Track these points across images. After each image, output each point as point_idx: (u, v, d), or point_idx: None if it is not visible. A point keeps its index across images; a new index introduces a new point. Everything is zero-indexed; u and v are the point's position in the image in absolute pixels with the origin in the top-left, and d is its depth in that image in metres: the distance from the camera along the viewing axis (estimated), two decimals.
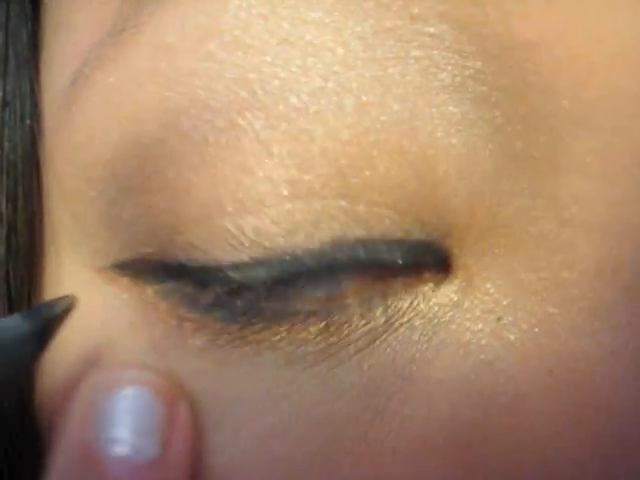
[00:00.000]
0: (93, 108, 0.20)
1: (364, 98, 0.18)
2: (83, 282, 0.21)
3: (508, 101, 0.17)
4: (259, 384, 0.19)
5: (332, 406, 0.19)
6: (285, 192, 0.18)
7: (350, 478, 0.18)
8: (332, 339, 0.19)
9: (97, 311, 0.21)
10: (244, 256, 0.19)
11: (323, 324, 0.19)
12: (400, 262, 0.18)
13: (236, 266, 0.19)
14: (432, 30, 0.17)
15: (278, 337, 0.19)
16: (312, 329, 0.19)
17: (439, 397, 0.18)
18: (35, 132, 0.22)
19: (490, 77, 0.17)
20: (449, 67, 0.17)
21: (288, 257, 0.18)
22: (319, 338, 0.19)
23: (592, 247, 0.18)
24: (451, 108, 0.18)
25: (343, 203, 0.18)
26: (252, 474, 0.19)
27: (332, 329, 0.19)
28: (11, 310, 0.22)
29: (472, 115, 0.18)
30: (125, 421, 0.18)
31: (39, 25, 0.22)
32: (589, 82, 0.17)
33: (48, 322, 0.19)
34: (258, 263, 0.19)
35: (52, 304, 0.19)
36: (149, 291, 0.20)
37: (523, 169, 0.18)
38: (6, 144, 0.22)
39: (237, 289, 0.19)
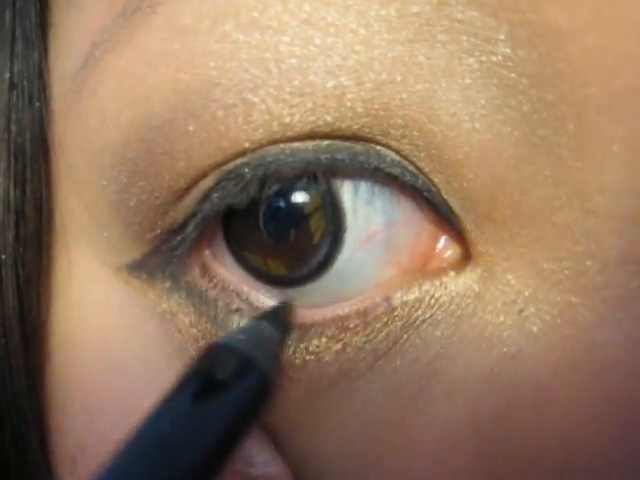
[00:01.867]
0: (104, 92, 0.19)
1: (385, 76, 0.17)
2: (97, 279, 0.21)
3: (536, 88, 0.17)
4: (284, 418, 0.19)
5: (361, 420, 0.19)
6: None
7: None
8: (342, 359, 0.19)
9: (114, 311, 0.21)
10: None
11: (323, 342, 0.19)
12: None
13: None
14: (460, 16, 0.17)
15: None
16: (315, 350, 0.19)
17: (463, 393, 0.18)
18: (44, 115, 0.21)
19: (519, 64, 0.17)
20: (477, 53, 0.17)
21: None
22: (326, 360, 0.19)
23: (616, 237, 0.17)
24: (476, 92, 0.17)
25: None
26: None
27: (337, 347, 0.19)
28: (20, 299, 0.21)
29: (498, 101, 0.17)
30: (261, 449, 0.19)
31: (47, 5, 0.22)
32: (620, 71, 0.17)
33: (288, 324, 0.19)
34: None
35: (283, 307, 0.19)
36: (163, 291, 0.20)
37: (547, 157, 0.17)
38: (14, 127, 0.21)
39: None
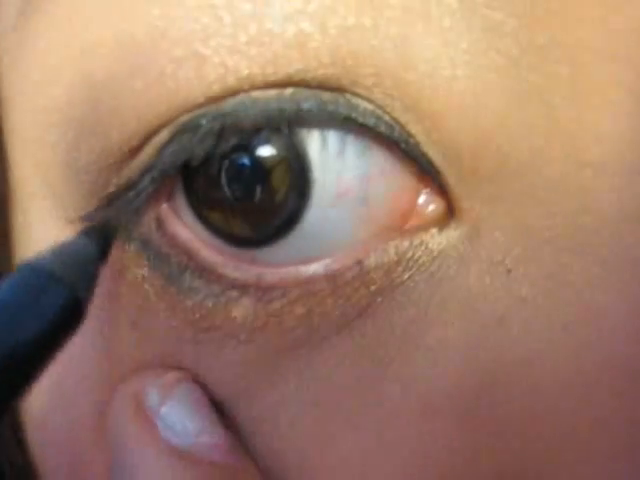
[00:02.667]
0: (45, 45, 0.18)
1: (351, 20, 0.16)
2: (53, 235, 0.20)
3: (525, 30, 0.15)
4: (238, 379, 0.18)
5: (322, 385, 0.18)
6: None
7: (350, 449, 0.17)
8: (305, 323, 0.18)
9: None
10: None
11: (284, 304, 0.18)
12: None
13: None
14: None
15: (236, 324, 0.18)
16: (276, 313, 0.18)
17: (443, 358, 0.17)
18: None
19: (506, 3, 0.15)
20: None
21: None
22: (288, 325, 0.18)
23: (615, 191, 0.16)
24: (457, 36, 0.16)
25: None
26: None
27: (300, 311, 0.18)
28: None
29: (482, 44, 0.16)
30: (189, 417, 0.18)
31: None
32: (620, 10, 0.15)
33: (108, 241, 0.18)
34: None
35: (105, 225, 0.19)
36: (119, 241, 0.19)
37: (538, 105, 0.16)
38: None
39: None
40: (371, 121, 0.17)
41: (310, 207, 0.18)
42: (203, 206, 0.18)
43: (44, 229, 0.20)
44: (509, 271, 0.17)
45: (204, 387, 0.18)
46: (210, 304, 0.18)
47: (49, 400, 0.20)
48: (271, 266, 0.18)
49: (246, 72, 0.16)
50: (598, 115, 0.16)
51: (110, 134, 0.17)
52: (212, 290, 0.18)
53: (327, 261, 0.18)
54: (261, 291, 0.18)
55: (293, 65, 0.16)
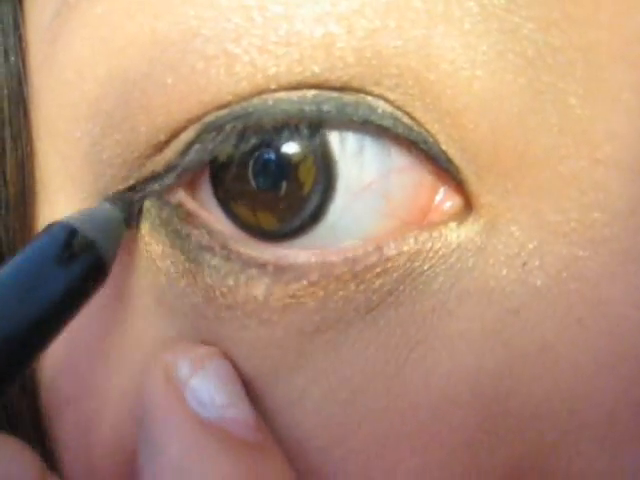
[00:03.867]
0: (80, 43, 0.18)
1: (378, 22, 0.16)
2: None
3: (542, 33, 0.16)
4: (264, 360, 0.19)
5: (349, 369, 0.18)
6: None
7: (373, 435, 0.18)
8: (328, 307, 0.18)
9: None
10: None
11: (305, 286, 0.18)
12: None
13: None
14: None
15: (258, 304, 0.18)
16: (297, 294, 0.18)
17: (463, 348, 0.18)
18: (21, 70, 0.20)
19: (523, 7, 0.16)
20: None
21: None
22: (310, 307, 0.18)
23: (626, 187, 0.17)
24: (477, 38, 0.16)
25: None
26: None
27: (321, 294, 0.18)
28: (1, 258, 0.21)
29: (500, 46, 0.16)
30: (218, 390, 0.18)
31: None
32: (634, 13, 0.16)
33: (132, 208, 0.19)
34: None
35: (131, 194, 0.19)
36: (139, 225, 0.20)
37: (554, 105, 0.17)
38: None
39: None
40: (389, 122, 0.17)
41: (334, 200, 0.18)
42: (230, 199, 0.19)
43: None
44: (525, 264, 0.17)
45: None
46: (231, 282, 0.18)
47: (67, 374, 0.21)
48: (292, 248, 0.18)
49: (273, 70, 0.17)
50: (610, 114, 0.16)
51: (138, 128, 0.18)
52: (232, 268, 0.18)
53: (348, 248, 0.18)
54: (280, 271, 0.18)
55: (319, 64, 0.17)
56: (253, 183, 0.18)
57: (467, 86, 0.16)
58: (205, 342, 0.19)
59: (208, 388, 0.18)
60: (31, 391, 0.22)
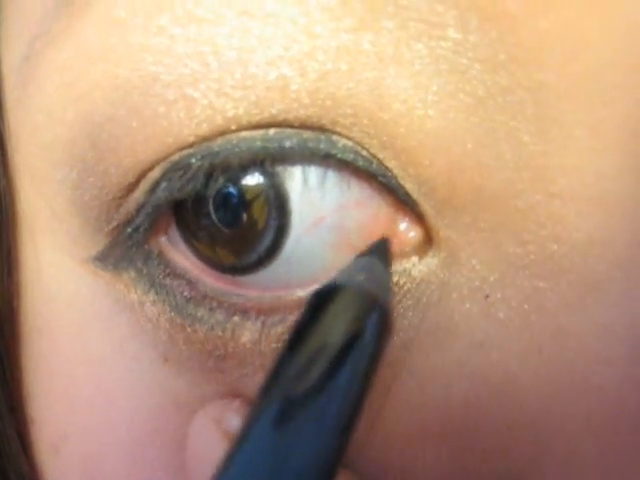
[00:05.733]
0: (49, 87, 0.19)
1: (329, 65, 0.17)
2: (66, 271, 0.21)
3: (490, 74, 0.16)
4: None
5: None
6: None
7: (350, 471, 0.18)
8: None
9: (87, 302, 0.21)
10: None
11: (283, 330, 0.18)
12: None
13: None
14: (406, 2, 0.16)
15: (256, 341, 0.18)
16: (275, 338, 0.18)
17: (433, 381, 0.18)
18: None
19: (470, 49, 0.16)
20: (425, 38, 0.16)
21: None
22: None
23: (582, 219, 0.17)
24: (427, 79, 0.16)
25: None
26: None
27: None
28: None
29: (451, 87, 0.16)
30: None
31: None
32: (578, 55, 0.16)
33: (387, 254, 0.18)
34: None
35: (380, 243, 0.19)
36: (129, 281, 0.20)
37: (507, 141, 0.17)
38: None
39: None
40: (350, 156, 0.18)
41: (289, 235, 0.19)
42: (192, 236, 0.19)
43: (55, 262, 0.21)
44: (487, 296, 0.18)
45: None
46: (220, 332, 0.19)
47: (66, 412, 0.21)
48: (267, 290, 0.19)
49: (232, 113, 0.17)
50: (563, 150, 0.16)
51: (109, 171, 0.18)
52: (217, 318, 0.19)
53: (315, 286, 0.18)
54: (263, 315, 0.19)
55: (275, 106, 0.17)
56: (213, 218, 0.19)
57: (420, 125, 0.17)
58: (210, 394, 0.19)
59: None
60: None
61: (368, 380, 0.16)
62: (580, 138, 0.16)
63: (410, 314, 0.18)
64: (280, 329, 0.18)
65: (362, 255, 0.18)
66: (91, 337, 0.21)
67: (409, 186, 0.18)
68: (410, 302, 0.18)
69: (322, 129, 0.18)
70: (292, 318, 0.18)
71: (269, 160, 0.18)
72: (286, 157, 0.18)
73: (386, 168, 0.18)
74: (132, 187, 0.19)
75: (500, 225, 0.17)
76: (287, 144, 0.18)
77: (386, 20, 0.16)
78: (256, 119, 0.17)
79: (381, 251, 0.18)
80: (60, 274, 0.21)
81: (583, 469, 0.17)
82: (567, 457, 0.17)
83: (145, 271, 0.20)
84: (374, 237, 0.19)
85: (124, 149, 0.18)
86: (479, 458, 0.18)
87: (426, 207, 0.18)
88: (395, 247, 0.19)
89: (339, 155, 0.18)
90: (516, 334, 0.17)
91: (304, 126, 0.17)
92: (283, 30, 0.16)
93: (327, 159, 0.18)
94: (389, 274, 0.18)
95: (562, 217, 0.17)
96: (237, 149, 0.18)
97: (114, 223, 0.19)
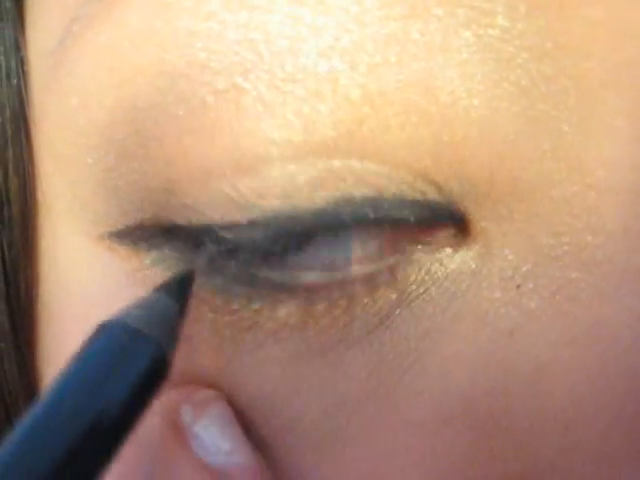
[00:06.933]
0: (85, 70, 0.18)
1: (379, 57, 0.17)
2: (82, 251, 0.20)
3: (535, 62, 0.16)
4: (266, 383, 0.19)
5: (343, 391, 0.18)
6: (287, 153, 0.17)
7: (366, 455, 0.18)
8: (339, 325, 0.18)
9: (97, 280, 0.20)
10: (239, 217, 0.18)
11: (326, 306, 0.18)
12: (412, 219, 0.18)
13: (230, 227, 0.18)
14: None
15: (279, 323, 0.18)
16: (317, 314, 0.18)
17: (456, 368, 0.18)
18: (23, 91, 0.21)
19: (517, 37, 0.16)
20: (474, 26, 0.16)
21: (285, 216, 0.18)
22: (324, 324, 0.18)
23: (618, 211, 0.17)
24: (473, 68, 0.17)
25: (351, 163, 0.17)
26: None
27: (337, 312, 0.18)
28: (7, 282, 0.21)
29: (496, 76, 0.17)
30: (222, 436, 0.18)
31: None
32: (624, 45, 0.16)
33: (186, 298, 0.19)
34: (253, 224, 0.18)
35: (182, 279, 0.19)
36: (147, 260, 0.19)
37: (547, 132, 0.17)
38: None
39: (231, 250, 0.18)
40: (397, 210, 0.18)
41: None
42: None
43: (72, 245, 0.21)
44: (518, 286, 0.18)
45: (235, 387, 0.19)
46: (257, 305, 0.18)
47: None
48: (311, 269, 0.18)
49: (279, 110, 0.17)
50: (602, 140, 0.17)
51: (154, 159, 0.18)
52: (260, 294, 0.18)
53: (361, 265, 0.18)
54: (307, 292, 0.18)
55: (325, 102, 0.17)
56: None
57: (465, 116, 0.17)
58: (218, 363, 0.19)
59: (212, 434, 0.18)
60: None
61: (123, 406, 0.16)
62: (619, 128, 0.17)
63: (436, 302, 0.18)
64: (321, 306, 0.18)
65: (154, 290, 0.18)
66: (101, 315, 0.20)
67: (451, 183, 0.18)
68: (438, 290, 0.18)
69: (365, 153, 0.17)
70: (337, 294, 0.18)
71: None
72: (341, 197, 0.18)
73: (434, 186, 0.18)
74: (175, 192, 0.18)
75: (535, 216, 0.17)
76: (343, 216, 0.18)
77: (435, 7, 0.16)
78: (303, 137, 0.17)
79: (179, 285, 0.19)
80: (76, 256, 0.21)
81: (614, 460, 0.17)
82: (598, 448, 0.17)
83: (168, 251, 0.19)
84: (411, 233, 0.18)
85: (169, 139, 0.18)
86: (505, 447, 0.18)
87: (466, 202, 0.18)
88: (430, 241, 0.18)
89: (390, 213, 0.18)
90: (548, 324, 0.18)
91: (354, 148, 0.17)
92: (334, 19, 0.17)
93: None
94: (177, 312, 0.18)
95: (597, 208, 0.17)
96: (292, 222, 0.18)
97: (147, 215, 0.19)
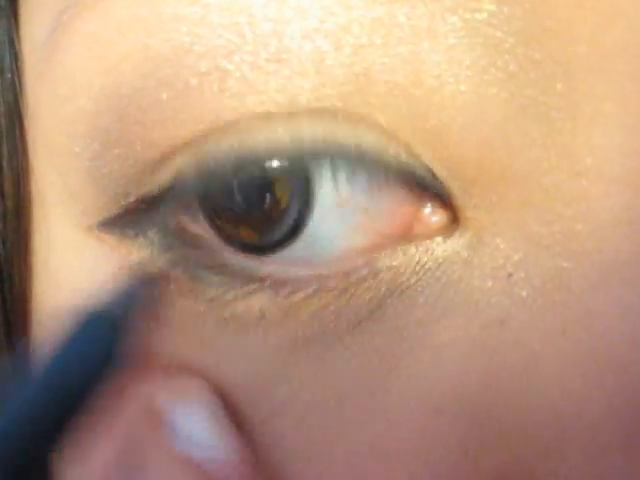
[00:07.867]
0: (74, 59, 0.19)
1: (364, 39, 0.17)
2: (73, 243, 0.21)
3: (522, 47, 0.16)
4: (252, 368, 0.19)
5: (333, 381, 0.18)
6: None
7: (357, 446, 0.18)
8: (324, 319, 0.18)
9: (88, 272, 0.20)
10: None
11: (309, 300, 0.18)
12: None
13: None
14: None
15: (257, 315, 0.18)
16: (298, 307, 0.18)
17: (448, 358, 0.18)
18: (17, 86, 0.21)
19: (504, 21, 0.16)
20: (460, 10, 0.16)
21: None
22: (307, 318, 0.18)
23: (608, 199, 0.17)
24: (461, 53, 0.17)
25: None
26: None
27: (320, 306, 0.18)
28: (1, 277, 0.21)
29: (483, 61, 0.17)
30: (204, 426, 0.18)
31: None
32: (611, 26, 0.16)
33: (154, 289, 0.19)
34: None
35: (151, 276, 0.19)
36: (134, 247, 0.20)
37: (535, 119, 0.17)
38: None
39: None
40: (379, 149, 0.18)
41: (312, 217, 0.19)
42: (215, 215, 0.19)
43: (64, 237, 0.21)
44: (510, 275, 0.18)
45: (222, 376, 0.19)
46: (231, 296, 0.19)
47: None
48: (286, 264, 0.19)
49: (263, 87, 0.17)
50: (591, 127, 0.17)
51: (135, 143, 0.18)
52: (233, 284, 0.19)
53: (337, 262, 0.18)
54: (279, 284, 0.18)
55: (310, 80, 0.17)
56: (237, 197, 0.19)
57: (452, 100, 0.17)
58: (202, 352, 0.19)
59: (193, 423, 0.18)
60: None
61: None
62: (608, 114, 0.16)
63: (427, 292, 0.18)
64: (295, 298, 0.18)
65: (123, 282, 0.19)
66: None
67: (438, 168, 0.18)
68: (430, 280, 0.18)
69: (354, 116, 0.17)
70: (310, 288, 0.18)
71: (298, 155, 0.18)
72: (316, 154, 0.18)
73: (416, 158, 0.18)
74: (157, 166, 0.19)
75: (525, 204, 0.17)
76: (319, 142, 0.18)
77: None
78: (288, 97, 0.17)
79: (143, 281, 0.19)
80: (68, 248, 0.21)
81: (606, 453, 0.17)
82: (590, 440, 0.17)
83: (156, 238, 0.19)
84: (400, 221, 0.19)
85: (152, 122, 0.18)
86: (496, 437, 0.18)
87: (453, 188, 0.18)
88: (419, 230, 0.19)
89: (370, 152, 0.18)
90: (539, 313, 0.17)
91: (335, 110, 0.17)
92: (319, 1, 0.17)
93: (357, 153, 0.18)
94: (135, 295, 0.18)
95: (588, 196, 0.17)
96: (268, 144, 0.18)
97: (132, 198, 0.19)
